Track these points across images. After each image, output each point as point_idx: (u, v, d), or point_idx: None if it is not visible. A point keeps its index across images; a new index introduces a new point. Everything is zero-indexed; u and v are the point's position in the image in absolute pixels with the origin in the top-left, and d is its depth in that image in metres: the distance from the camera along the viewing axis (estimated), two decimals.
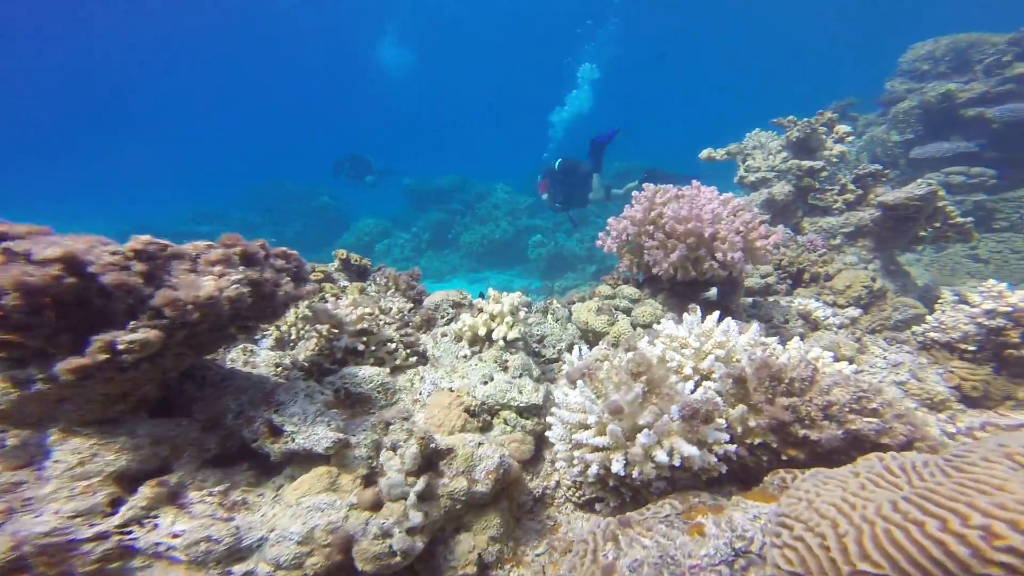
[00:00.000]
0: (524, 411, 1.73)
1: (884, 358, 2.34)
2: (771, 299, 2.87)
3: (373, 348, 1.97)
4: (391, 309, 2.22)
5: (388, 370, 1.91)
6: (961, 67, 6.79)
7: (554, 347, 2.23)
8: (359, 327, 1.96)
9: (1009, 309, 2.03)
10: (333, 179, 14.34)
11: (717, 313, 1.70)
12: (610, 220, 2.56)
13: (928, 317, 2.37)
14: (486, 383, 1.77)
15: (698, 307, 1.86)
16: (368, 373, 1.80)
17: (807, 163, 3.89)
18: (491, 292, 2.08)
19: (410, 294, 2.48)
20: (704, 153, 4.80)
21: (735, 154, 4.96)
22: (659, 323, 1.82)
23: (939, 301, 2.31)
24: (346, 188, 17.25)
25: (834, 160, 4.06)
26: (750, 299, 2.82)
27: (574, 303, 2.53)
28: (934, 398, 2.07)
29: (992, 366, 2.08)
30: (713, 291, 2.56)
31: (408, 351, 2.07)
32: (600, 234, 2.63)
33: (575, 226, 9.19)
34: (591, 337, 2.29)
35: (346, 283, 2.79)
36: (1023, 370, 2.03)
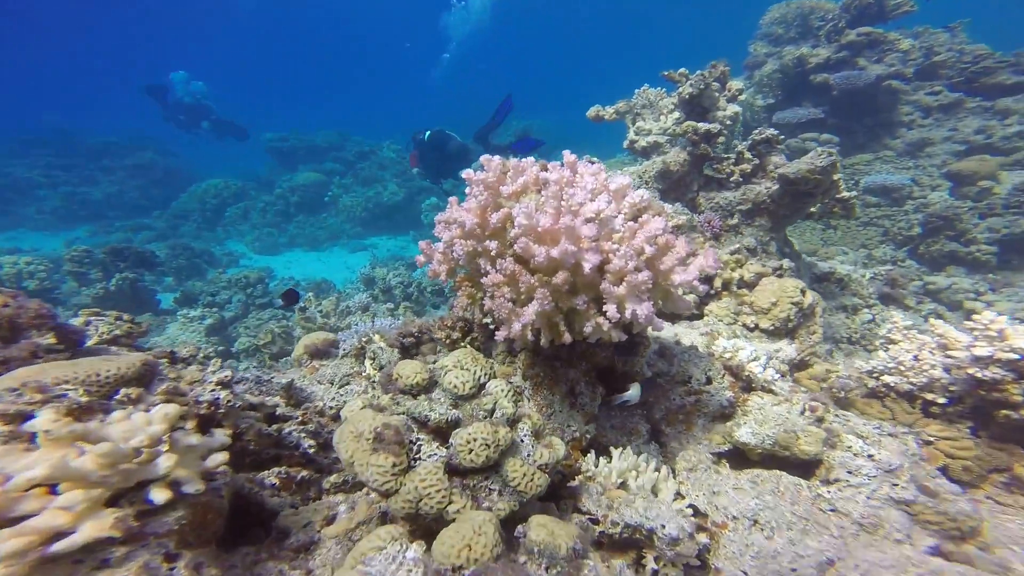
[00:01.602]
0: None
1: (869, 456, 1.48)
2: (675, 327, 2.42)
3: None
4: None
5: None
6: (806, 32, 7.24)
7: None
8: None
9: (1015, 356, 1.47)
10: (163, 122, 10.95)
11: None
12: (437, 219, 1.49)
13: (880, 353, 1.88)
14: None
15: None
16: None
17: (703, 126, 3.45)
18: None
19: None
20: (592, 111, 4.20)
21: (624, 113, 4.47)
22: (508, 460, 1.05)
23: (890, 327, 1.96)
24: (186, 145, 13.41)
25: (727, 122, 3.74)
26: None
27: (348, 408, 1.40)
28: (960, 525, 1.34)
29: (968, 426, 1.59)
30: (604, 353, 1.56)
31: None
32: (422, 244, 1.50)
33: (446, 195, 8.40)
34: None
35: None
36: (1015, 435, 1.53)
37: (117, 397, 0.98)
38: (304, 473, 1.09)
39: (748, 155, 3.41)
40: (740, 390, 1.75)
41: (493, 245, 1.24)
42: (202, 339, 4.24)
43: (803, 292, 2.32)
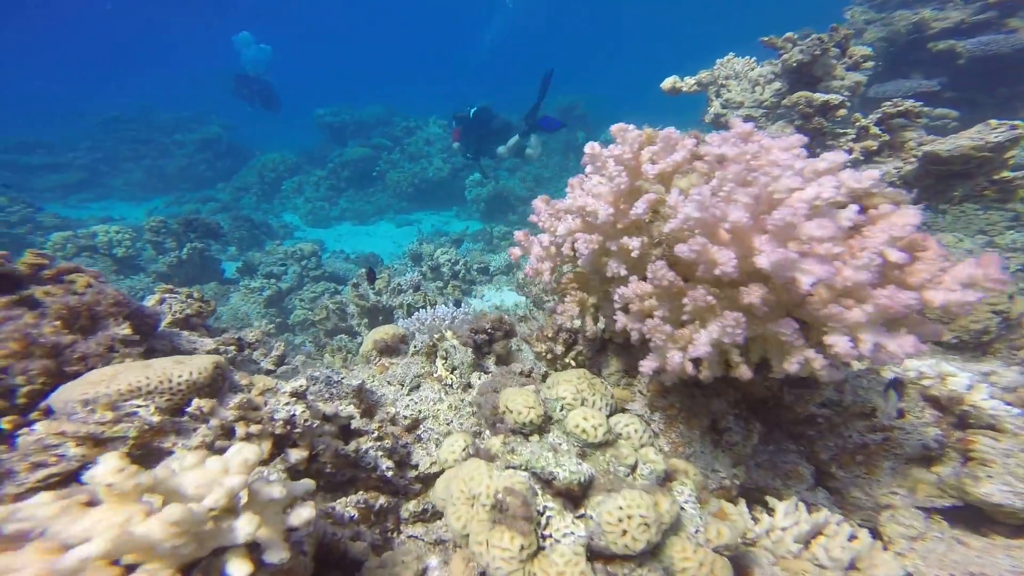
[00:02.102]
0: None
1: None
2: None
3: None
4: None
5: None
6: None
7: None
8: None
9: None
10: (232, 97, 11.22)
11: None
12: (537, 206, 1.24)
13: None
14: None
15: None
16: None
17: (821, 96, 2.93)
18: None
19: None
20: (668, 83, 3.71)
21: (707, 84, 3.94)
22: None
23: None
24: (245, 120, 13.87)
25: (845, 93, 3.18)
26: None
27: (449, 440, 1.09)
28: None
29: None
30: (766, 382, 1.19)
31: None
32: (519, 235, 1.31)
33: (486, 177, 8.40)
34: None
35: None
36: None
37: (189, 410, 0.87)
38: (382, 500, 0.95)
39: (875, 130, 2.87)
40: (950, 427, 1.36)
41: (635, 244, 0.96)
42: (260, 310, 4.35)
43: (1011, 297, 1.82)
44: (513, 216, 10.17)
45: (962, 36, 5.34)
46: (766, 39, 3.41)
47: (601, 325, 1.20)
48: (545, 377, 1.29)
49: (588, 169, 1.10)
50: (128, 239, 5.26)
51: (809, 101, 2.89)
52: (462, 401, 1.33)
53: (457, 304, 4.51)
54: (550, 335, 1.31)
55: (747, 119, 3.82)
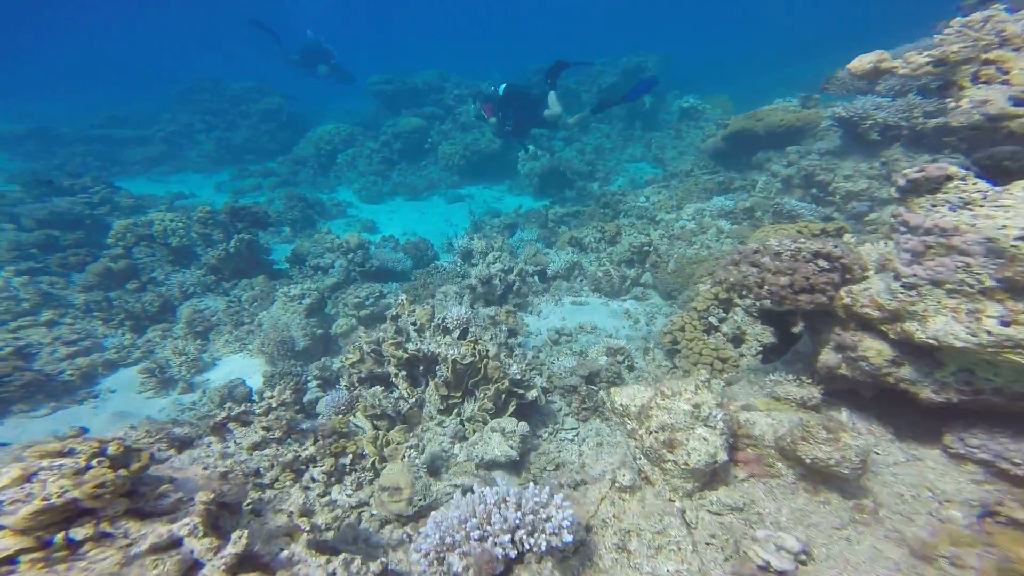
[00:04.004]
0: None
1: None
2: None
3: None
4: None
5: None
6: None
7: None
8: None
9: None
10: (286, 67, 10.91)
11: None
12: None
13: None
14: None
15: None
16: None
17: None
18: None
19: None
20: (865, 61, 2.50)
21: (955, 63, 2.57)
22: None
23: None
24: (302, 88, 13.47)
25: None
26: None
27: None
28: None
29: None
30: None
31: None
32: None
33: (527, 152, 8.06)
34: None
35: None
36: None
37: None
38: None
39: None
40: None
41: None
42: (301, 320, 3.97)
43: None
44: (570, 192, 9.07)
45: None
46: None
47: None
48: None
49: None
50: (182, 228, 5.06)
51: None
52: None
53: (512, 333, 3.73)
54: None
55: None
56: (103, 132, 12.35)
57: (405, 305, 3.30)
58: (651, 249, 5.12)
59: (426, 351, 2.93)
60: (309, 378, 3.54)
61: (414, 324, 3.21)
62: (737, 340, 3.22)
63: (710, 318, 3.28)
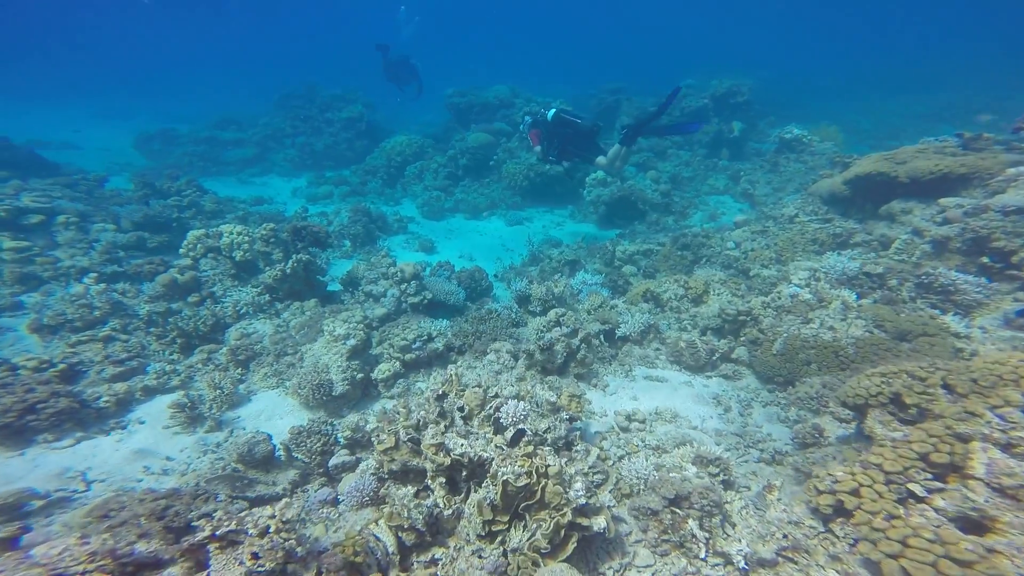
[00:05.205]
0: None
1: None
2: None
3: None
4: None
5: None
6: None
7: None
8: None
9: None
10: (385, 82, 11.06)
11: None
12: None
13: None
14: None
15: None
16: None
17: None
18: None
19: None
20: None
21: None
22: None
23: None
24: (384, 96, 13.71)
25: None
26: None
27: None
28: None
29: None
30: None
31: None
32: None
33: (571, 179, 7.57)
34: None
35: None
36: None
37: None
38: None
39: None
40: None
41: None
42: (342, 362, 3.56)
43: None
44: (640, 225, 8.12)
45: None
46: None
47: None
48: None
49: None
50: (247, 242, 4.96)
51: None
52: None
53: (572, 422, 2.75)
54: None
55: None
56: (212, 134, 13.43)
57: (455, 382, 2.71)
58: (749, 318, 4.13)
59: (472, 456, 2.31)
60: (340, 437, 3.09)
61: (461, 410, 2.61)
62: (976, 525, 1.84)
63: (912, 484, 2.01)
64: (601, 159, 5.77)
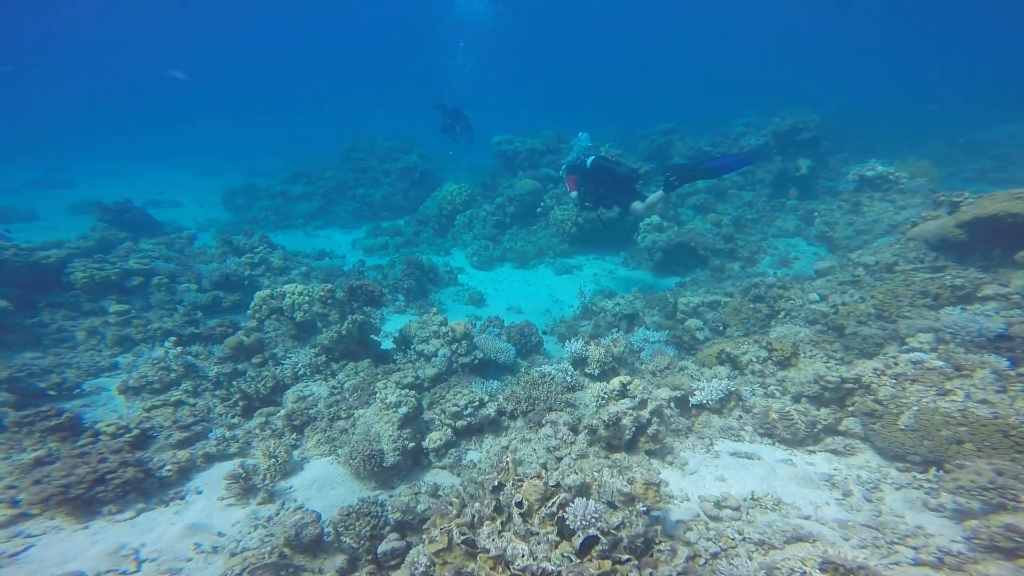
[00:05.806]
0: None
1: None
2: None
3: None
4: None
5: None
6: None
7: None
8: None
9: None
10: (440, 133, 11.78)
11: None
12: None
13: None
14: None
15: None
16: None
17: None
18: None
19: None
20: None
21: None
22: None
23: None
24: (437, 146, 14.48)
25: None
26: None
27: None
28: None
29: None
30: None
31: None
32: None
33: (604, 227, 7.49)
34: None
35: None
36: None
37: None
38: None
39: None
40: None
41: None
42: (393, 431, 3.40)
43: None
44: (701, 272, 7.55)
45: None
46: None
47: None
48: None
49: None
50: (307, 303, 5.15)
51: None
52: None
53: (648, 543, 2.17)
54: None
55: None
56: (284, 188, 14.80)
57: (511, 471, 2.42)
58: (858, 386, 3.47)
59: (535, 571, 1.96)
60: (390, 518, 2.86)
61: (520, 504, 2.29)
62: None
63: None
64: (638, 204, 5.62)
